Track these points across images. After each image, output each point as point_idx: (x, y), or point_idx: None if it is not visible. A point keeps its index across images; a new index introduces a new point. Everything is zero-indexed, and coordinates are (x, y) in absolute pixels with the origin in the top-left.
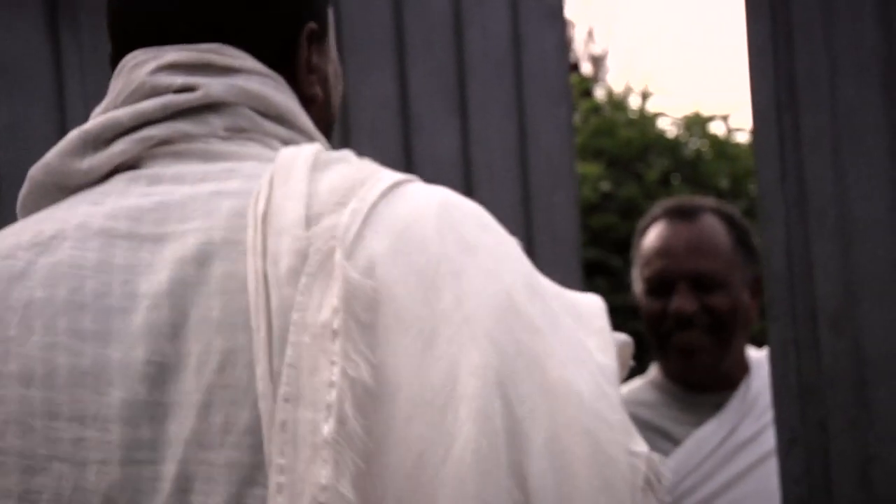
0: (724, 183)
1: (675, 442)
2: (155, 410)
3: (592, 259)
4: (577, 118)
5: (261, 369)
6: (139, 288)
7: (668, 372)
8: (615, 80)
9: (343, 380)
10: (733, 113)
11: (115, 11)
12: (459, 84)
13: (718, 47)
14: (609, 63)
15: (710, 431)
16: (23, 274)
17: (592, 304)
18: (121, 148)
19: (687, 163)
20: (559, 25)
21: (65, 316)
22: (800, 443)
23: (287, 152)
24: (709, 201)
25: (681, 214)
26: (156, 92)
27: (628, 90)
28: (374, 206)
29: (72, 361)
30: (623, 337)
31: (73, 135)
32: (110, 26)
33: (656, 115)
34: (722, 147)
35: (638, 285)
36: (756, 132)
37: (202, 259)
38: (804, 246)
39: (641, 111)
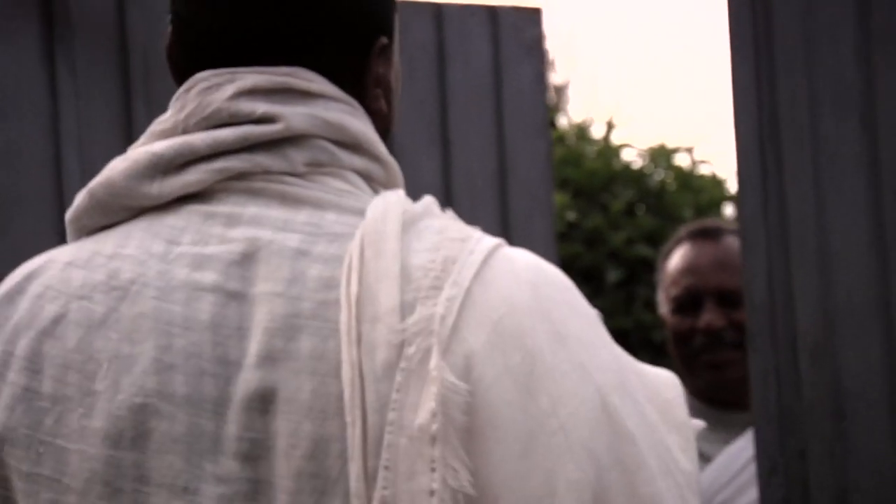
0: (688, 214)
1: (707, 458)
2: (247, 487)
3: None
4: None
5: (355, 468)
6: (230, 353)
7: (695, 390)
8: (577, 110)
9: (444, 488)
10: (698, 145)
11: (188, 18)
12: (441, 115)
13: (683, 79)
14: (570, 93)
15: (741, 447)
16: (103, 322)
17: (671, 389)
18: (196, 177)
19: (652, 194)
20: (537, 59)
21: (154, 376)
22: (780, 471)
23: (374, 213)
24: (729, 224)
25: (704, 235)
26: (234, 119)
27: (590, 121)
28: (469, 292)
29: (164, 427)
30: (698, 423)
31: (143, 157)
32: (179, 31)
33: (621, 147)
34: (686, 179)
35: (664, 306)
36: (739, 165)
37: (290, 333)
38: (785, 276)
39: (606, 142)
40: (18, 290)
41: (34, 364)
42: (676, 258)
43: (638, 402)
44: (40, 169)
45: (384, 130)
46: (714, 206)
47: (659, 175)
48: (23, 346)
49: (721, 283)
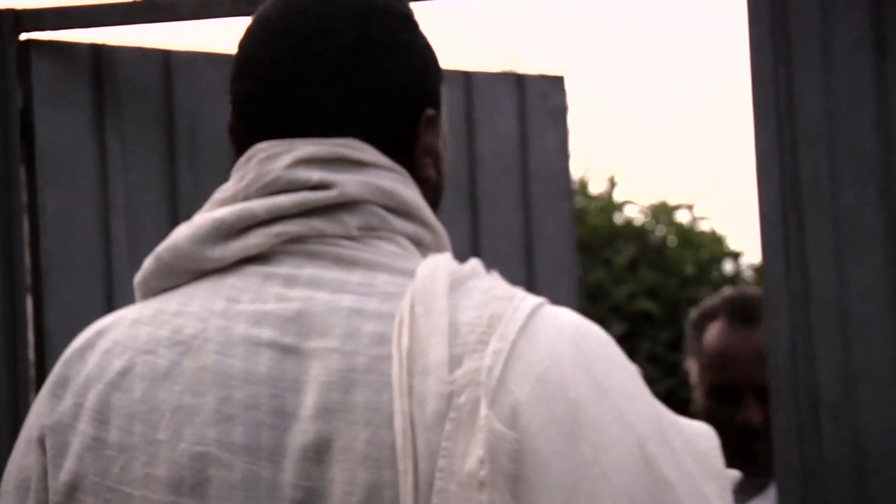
0: (689, 269)
1: None
2: None
3: None
4: None
5: None
6: (286, 405)
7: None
8: (577, 166)
9: None
10: (698, 202)
11: (247, 97)
12: (470, 179)
13: (683, 138)
14: (570, 149)
15: None
16: (167, 375)
17: (707, 441)
18: (256, 241)
19: (653, 249)
20: (562, 126)
21: (214, 426)
22: None
23: (423, 273)
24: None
25: (744, 319)
26: (291, 186)
27: (587, 177)
28: (514, 345)
29: (222, 475)
30: (734, 474)
31: (206, 222)
32: (240, 110)
33: (623, 203)
34: (687, 235)
35: (698, 383)
36: (763, 231)
37: (346, 386)
38: (807, 339)
39: (609, 198)
40: (89, 346)
41: (102, 415)
42: (714, 338)
43: (676, 451)
44: (89, 234)
45: (435, 197)
46: (714, 261)
47: (660, 231)
48: (92, 398)
49: (761, 378)
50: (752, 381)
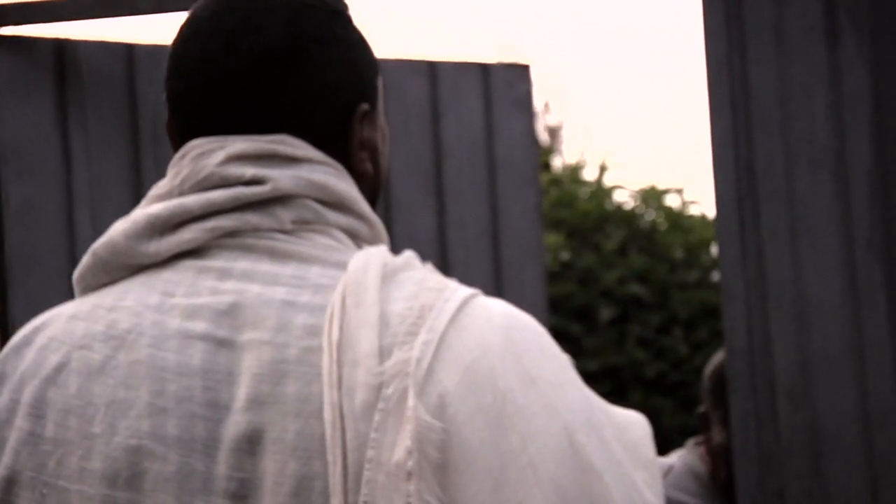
0: (679, 253)
1: None
2: None
3: (552, 326)
4: None
5: (336, 503)
6: (220, 398)
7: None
8: (570, 152)
9: None
10: (688, 186)
11: (180, 94)
12: (436, 168)
13: (672, 124)
14: (564, 135)
15: None
16: (101, 369)
17: (639, 429)
18: (190, 236)
19: (643, 234)
20: (527, 114)
21: (148, 419)
22: None
23: (356, 265)
24: None
25: None
26: (225, 182)
27: (583, 162)
28: (444, 336)
29: (157, 467)
30: (665, 462)
31: (141, 218)
32: (174, 106)
33: (613, 188)
34: (677, 219)
35: (721, 448)
36: (718, 218)
37: (277, 377)
38: (763, 323)
39: (599, 184)
40: (25, 342)
41: (38, 410)
42: None
43: (605, 439)
44: (53, 226)
45: (373, 191)
46: (703, 245)
47: (650, 216)
48: (28, 393)
49: None
50: None
